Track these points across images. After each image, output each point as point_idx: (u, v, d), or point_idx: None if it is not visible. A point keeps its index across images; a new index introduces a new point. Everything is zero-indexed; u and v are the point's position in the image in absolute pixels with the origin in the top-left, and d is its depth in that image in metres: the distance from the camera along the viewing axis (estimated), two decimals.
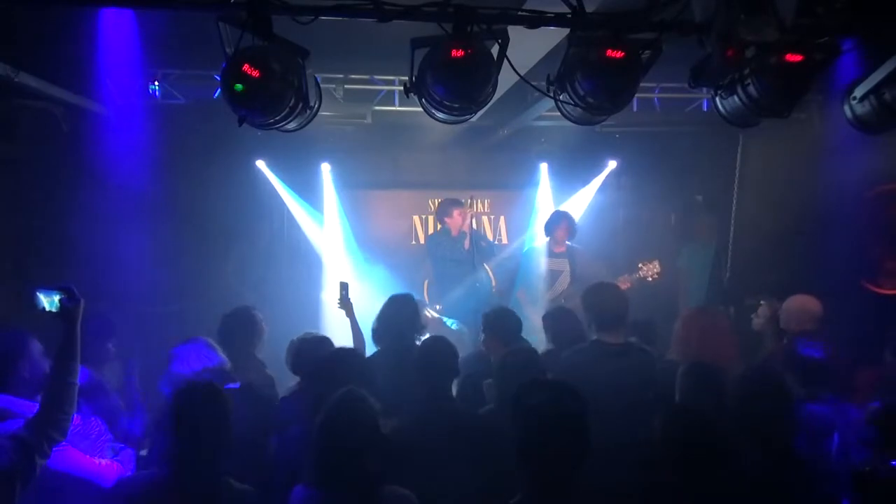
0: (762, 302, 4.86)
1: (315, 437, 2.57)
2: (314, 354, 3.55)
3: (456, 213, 6.67)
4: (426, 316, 5.36)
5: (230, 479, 2.61)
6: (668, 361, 3.94)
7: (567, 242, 6.41)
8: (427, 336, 3.93)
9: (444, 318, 6.37)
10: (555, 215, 6.56)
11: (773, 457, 2.72)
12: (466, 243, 6.57)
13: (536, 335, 4.71)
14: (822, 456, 3.11)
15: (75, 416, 2.87)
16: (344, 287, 4.73)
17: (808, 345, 3.54)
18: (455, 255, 6.57)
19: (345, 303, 4.68)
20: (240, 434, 2.68)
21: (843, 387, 3.48)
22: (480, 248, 6.57)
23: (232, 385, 3.39)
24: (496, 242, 7.75)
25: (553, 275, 6.34)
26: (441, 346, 3.41)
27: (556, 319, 4.48)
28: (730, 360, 3.76)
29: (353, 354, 3.53)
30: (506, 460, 2.43)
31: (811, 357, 3.49)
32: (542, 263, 6.39)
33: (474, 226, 6.62)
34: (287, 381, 3.91)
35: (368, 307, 4.32)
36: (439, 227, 6.98)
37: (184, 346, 3.58)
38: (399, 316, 4.08)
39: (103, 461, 2.89)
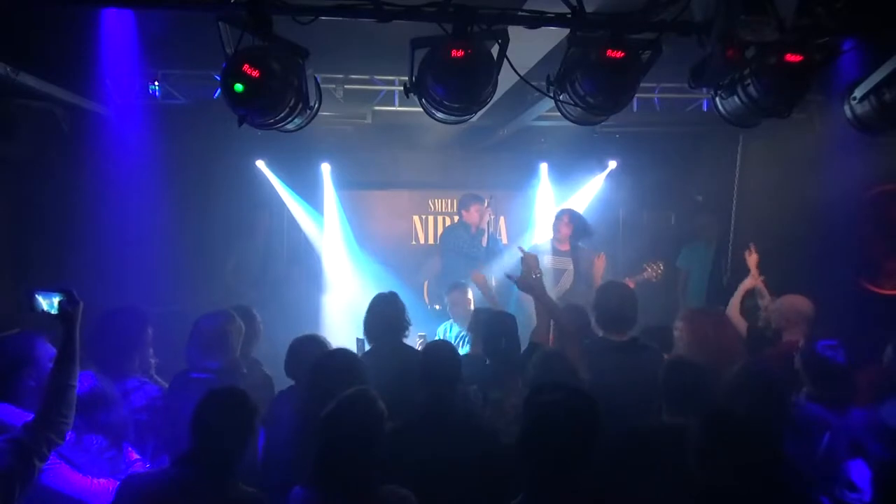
0: (759, 301, 4.86)
1: (319, 435, 2.56)
2: (307, 356, 3.49)
3: (473, 208, 6.71)
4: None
5: (238, 482, 2.60)
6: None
7: (578, 243, 6.34)
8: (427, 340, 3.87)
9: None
10: (559, 211, 6.52)
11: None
12: (484, 240, 6.60)
13: None
14: (808, 455, 3.12)
15: (69, 433, 2.81)
16: (360, 343, 4.55)
17: (830, 348, 3.49)
18: (471, 251, 6.60)
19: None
20: None
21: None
22: (497, 249, 6.60)
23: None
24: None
25: (556, 273, 6.28)
26: (443, 352, 3.39)
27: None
28: (736, 355, 3.77)
29: (343, 354, 3.42)
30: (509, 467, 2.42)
31: (831, 360, 3.45)
32: (545, 261, 6.35)
33: (491, 226, 6.65)
34: (287, 382, 3.89)
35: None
36: (456, 219, 7.06)
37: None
38: (385, 314, 4.05)
39: (100, 480, 2.80)
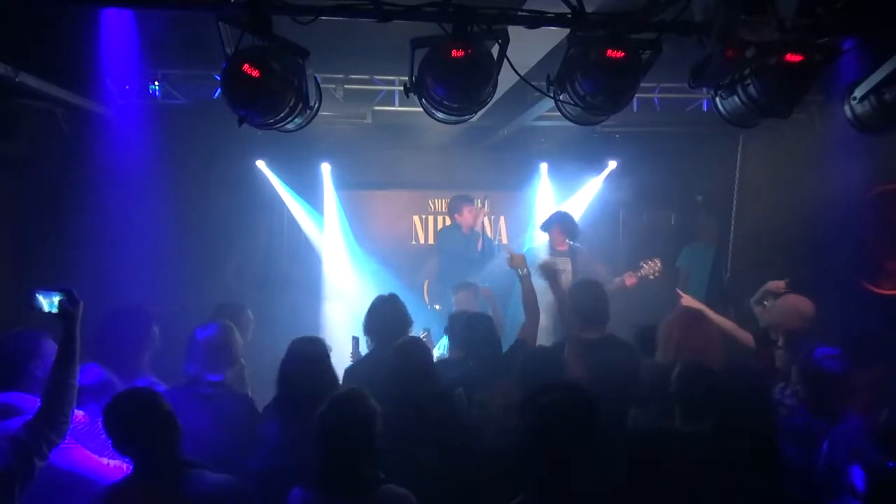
0: (765, 303, 4.85)
1: (314, 435, 2.57)
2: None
3: (466, 210, 6.69)
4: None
5: (202, 470, 2.59)
6: (657, 363, 3.91)
7: (569, 242, 6.37)
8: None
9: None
10: (552, 215, 6.48)
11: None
12: (480, 244, 6.57)
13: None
14: (809, 463, 3.11)
15: (83, 415, 2.88)
16: (356, 341, 4.63)
17: (829, 357, 3.43)
18: (468, 254, 6.58)
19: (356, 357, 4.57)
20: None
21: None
22: (492, 250, 6.58)
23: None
24: (496, 242, 7.74)
25: None
26: (414, 351, 3.41)
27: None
28: (713, 359, 3.74)
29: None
30: (488, 466, 2.41)
31: (827, 371, 3.37)
32: None
33: (487, 227, 6.61)
34: None
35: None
36: (449, 221, 7.02)
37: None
38: (386, 315, 4.05)
39: (112, 462, 2.84)
